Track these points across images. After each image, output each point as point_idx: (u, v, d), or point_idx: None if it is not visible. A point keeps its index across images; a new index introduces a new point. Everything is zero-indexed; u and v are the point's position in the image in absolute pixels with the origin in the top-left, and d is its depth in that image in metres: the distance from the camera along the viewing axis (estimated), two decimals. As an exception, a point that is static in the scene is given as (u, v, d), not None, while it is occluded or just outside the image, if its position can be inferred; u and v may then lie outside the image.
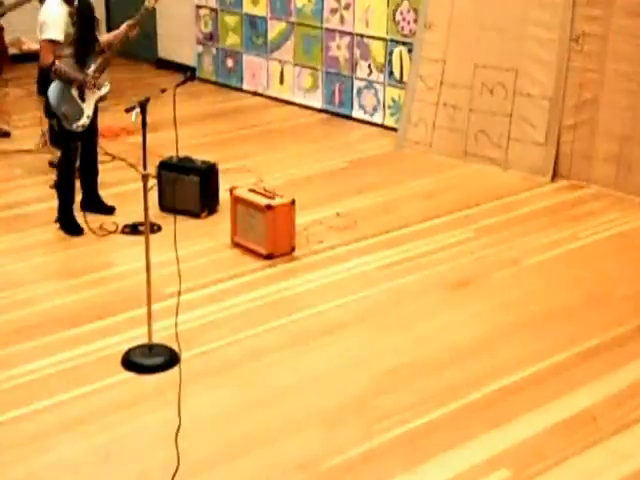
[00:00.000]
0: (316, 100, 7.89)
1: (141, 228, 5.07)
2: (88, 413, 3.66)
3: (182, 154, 5.23)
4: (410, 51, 7.07)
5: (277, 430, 3.56)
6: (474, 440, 3.49)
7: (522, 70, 6.44)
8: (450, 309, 4.55)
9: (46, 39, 5.05)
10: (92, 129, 5.37)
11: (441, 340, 4.24)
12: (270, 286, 4.74)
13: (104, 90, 5.30)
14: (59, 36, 5.04)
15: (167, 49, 9.13)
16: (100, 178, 5.67)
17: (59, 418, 3.62)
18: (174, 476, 3.25)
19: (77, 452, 3.43)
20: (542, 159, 6.38)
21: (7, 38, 6.56)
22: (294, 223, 5.12)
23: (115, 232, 5.32)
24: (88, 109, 5.20)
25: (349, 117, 7.64)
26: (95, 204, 5.54)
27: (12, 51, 6.80)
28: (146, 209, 3.99)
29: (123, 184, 5.90)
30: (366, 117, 7.54)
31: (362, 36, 7.44)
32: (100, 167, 6.02)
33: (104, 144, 6.21)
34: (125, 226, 5.36)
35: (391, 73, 7.31)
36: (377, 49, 7.36)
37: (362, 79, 7.53)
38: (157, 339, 4.03)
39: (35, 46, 5.65)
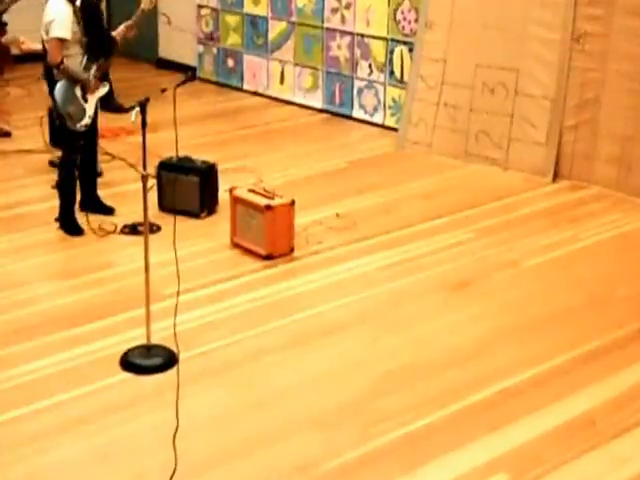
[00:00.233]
0: (316, 100, 7.87)
1: (140, 228, 5.05)
2: (87, 413, 3.65)
3: (182, 154, 5.22)
4: (411, 51, 7.06)
5: (275, 432, 3.55)
6: (473, 443, 3.48)
7: (523, 70, 6.42)
8: (450, 310, 4.54)
9: (54, 37, 5.05)
10: (92, 129, 5.37)
11: (441, 341, 4.23)
12: (269, 287, 4.73)
13: (103, 90, 5.32)
14: (66, 34, 5.05)
15: (168, 49, 9.11)
16: (102, 179, 5.67)
17: (59, 418, 3.62)
18: (172, 477, 3.24)
19: (76, 452, 3.43)
20: (543, 159, 6.37)
21: (5, 37, 6.55)
22: (293, 223, 5.11)
23: (114, 232, 5.31)
24: (90, 109, 5.22)
25: (349, 117, 7.62)
26: (94, 204, 5.54)
27: (13, 51, 6.79)
28: (145, 209, 3.98)
29: (123, 184, 5.89)
30: (366, 117, 7.53)
31: (363, 36, 7.43)
32: (102, 167, 6.03)
33: (104, 144, 6.21)
34: (124, 226, 5.35)
35: (392, 73, 7.30)
36: (378, 49, 7.35)
37: (362, 79, 7.52)
38: (156, 340, 4.02)
39: (35, 46, 5.64)
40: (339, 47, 7.63)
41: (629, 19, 5.99)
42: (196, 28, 8.64)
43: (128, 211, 5.43)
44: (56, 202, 5.38)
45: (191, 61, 8.75)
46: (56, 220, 5.39)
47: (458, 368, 4.00)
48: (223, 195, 5.58)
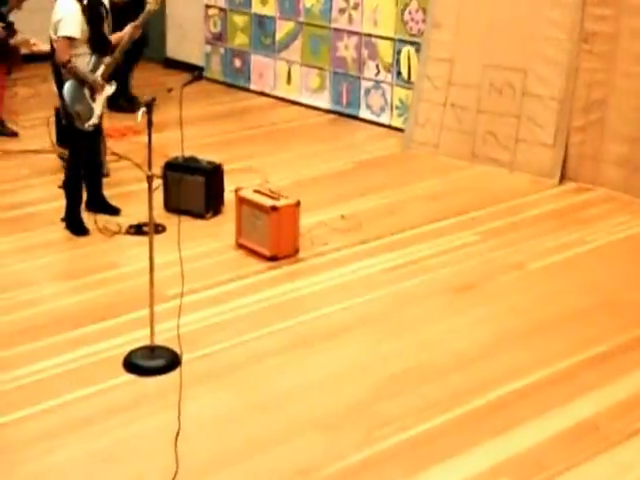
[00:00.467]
0: (323, 100, 7.86)
1: (145, 229, 5.05)
2: (90, 415, 3.65)
3: (188, 154, 5.22)
4: (418, 51, 7.03)
5: (278, 435, 3.54)
6: (477, 447, 3.46)
7: (531, 70, 6.39)
8: (455, 313, 4.52)
9: (64, 36, 5.05)
10: (97, 129, 5.37)
11: (445, 345, 4.21)
12: (274, 288, 4.72)
13: (110, 90, 5.31)
14: (76, 33, 5.05)
15: (175, 49, 9.11)
16: (109, 179, 5.67)
17: (62, 419, 3.62)
18: (173, 480, 3.24)
19: (79, 454, 3.43)
20: (550, 161, 6.34)
21: (15, 39, 6.56)
22: (299, 225, 5.10)
23: (119, 232, 5.31)
24: (97, 108, 5.23)
25: (356, 117, 7.60)
26: (99, 204, 5.54)
27: (22, 51, 6.80)
28: (151, 209, 3.98)
29: (128, 184, 5.89)
30: (373, 118, 7.51)
31: (370, 36, 7.41)
32: (110, 167, 6.04)
33: (110, 144, 6.21)
34: (130, 226, 5.35)
35: (399, 73, 7.28)
36: (385, 49, 7.33)
37: (370, 79, 7.50)
38: (159, 341, 4.02)
39: (45, 47, 5.64)
40: (346, 47, 7.61)
41: (638, 20, 5.95)
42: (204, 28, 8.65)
43: (134, 211, 5.43)
44: (62, 202, 5.39)
45: (198, 61, 8.75)
46: (62, 220, 5.39)
47: (463, 371, 3.98)
48: (228, 195, 5.57)
